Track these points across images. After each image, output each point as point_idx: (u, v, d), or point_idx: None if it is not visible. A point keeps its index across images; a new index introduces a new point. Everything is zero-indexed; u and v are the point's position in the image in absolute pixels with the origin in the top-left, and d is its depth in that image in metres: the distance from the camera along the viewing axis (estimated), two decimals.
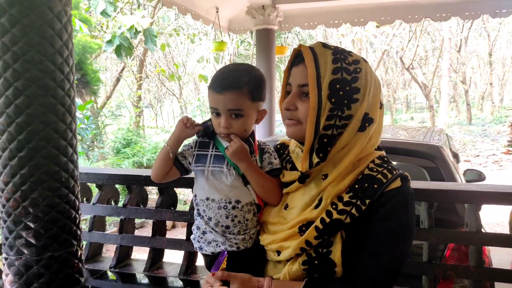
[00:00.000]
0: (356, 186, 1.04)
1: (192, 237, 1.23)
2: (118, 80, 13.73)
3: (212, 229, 1.17)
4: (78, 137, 6.73)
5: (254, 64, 5.48)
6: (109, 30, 8.95)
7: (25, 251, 1.61)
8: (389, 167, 1.06)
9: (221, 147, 1.18)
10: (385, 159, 1.10)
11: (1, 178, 1.60)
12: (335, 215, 1.03)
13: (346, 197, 1.04)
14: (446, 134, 3.32)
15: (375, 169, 1.06)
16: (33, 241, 1.61)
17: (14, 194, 1.59)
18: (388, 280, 1.03)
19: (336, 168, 1.06)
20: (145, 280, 1.90)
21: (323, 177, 1.08)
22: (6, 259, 1.64)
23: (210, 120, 1.22)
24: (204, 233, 1.18)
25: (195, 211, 1.21)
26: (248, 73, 1.16)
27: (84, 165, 5.54)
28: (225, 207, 1.16)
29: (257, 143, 1.24)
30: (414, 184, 1.60)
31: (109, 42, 7.79)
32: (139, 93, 12.47)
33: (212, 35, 9.62)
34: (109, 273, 1.96)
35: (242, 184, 1.17)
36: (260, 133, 4.62)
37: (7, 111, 1.55)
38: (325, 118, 1.02)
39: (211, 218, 1.17)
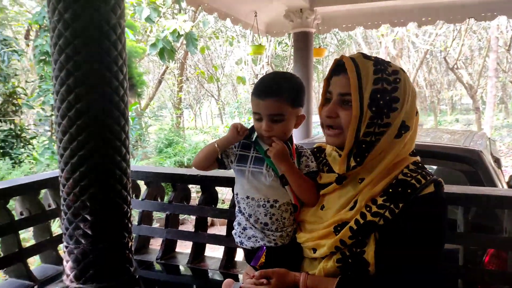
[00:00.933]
0: (390, 190, 1.10)
1: (233, 232, 1.33)
2: (160, 82, 14.25)
3: (252, 225, 1.26)
4: (129, 135, 7.09)
5: (292, 66, 5.54)
6: (152, 34, 9.33)
7: (83, 241, 1.79)
8: (423, 172, 1.11)
9: (260, 150, 1.28)
10: (420, 164, 1.15)
11: (63, 174, 1.78)
12: (369, 217, 1.09)
13: (380, 200, 1.09)
14: (489, 138, 3.23)
15: (409, 174, 1.11)
16: (89, 232, 1.78)
17: (74, 189, 1.76)
18: (419, 282, 1.07)
19: (372, 173, 1.12)
20: (188, 272, 2.03)
21: (359, 180, 1.15)
22: (66, 247, 1.82)
23: (253, 126, 1.32)
24: (244, 229, 1.28)
25: (236, 208, 1.31)
26: (288, 81, 1.26)
27: (133, 163, 5.86)
28: (264, 206, 1.25)
29: (295, 146, 1.32)
30: (451, 188, 1.62)
31: (153, 45, 8.14)
32: (180, 95, 12.86)
33: (250, 37, 9.77)
34: (156, 264, 2.11)
35: (280, 185, 1.25)
36: (298, 135, 4.68)
37: (69, 114, 1.73)
38: (365, 126, 1.09)
39: (251, 215, 1.26)
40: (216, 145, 1.31)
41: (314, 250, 1.18)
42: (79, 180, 1.75)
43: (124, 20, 1.90)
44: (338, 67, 1.15)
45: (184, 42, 8.78)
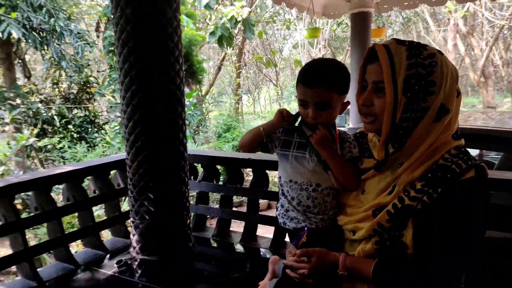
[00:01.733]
0: (429, 175, 1.09)
1: (277, 213, 1.40)
2: (219, 68, 14.59)
3: (294, 207, 1.31)
4: (186, 122, 7.44)
5: (349, 48, 5.40)
6: (211, 21, 9.55)
7: (147, 217, 1.98)
8: (465, 157, 1.09)
9: (304, 136, 1.32)
10: (462, 149, 1.13)
11: (129, 157, 1.97)
12: (407, 201, 1.10)
13: (418, 185, 1.10)
14: None
15: (449, 159, 1.09)
16: (152, 209, 1.97)
17: (138, 171, 1.95)
18: (457, 266, 1.08)
19: (411, 157, 1.12)
20: (241, 250, 2.16)
21: (398, 165, 1.15)
22: (133, 222, 2.03)
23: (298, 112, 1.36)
24: (287, 210, 1.34)
25: (280, 191, 1.38)
26: (335, 69, 1.28)
27: (190, 147, 6.16)
28: (307, 189, 1.30)
29: (338, 132, 1.35)
30: (501, 174, 1.55)
31: (212, 33, 8.35)
32: (238, 81, 13.09)
33: (308, 20, 9.62)
34: (212, 241, 2.26)
35: (323, 170, 1.30)
36: (354, 120, 4.62)
37: (133, 102, 1.90)
38: (400, 112, 1.09)
39: (293, 198, 1.31)
40: (261, 129, 1.37)
41: (354, 232, 1.22)
42: (142, 162, 1.93)
43: (180, 13, 2.02)
44: (372, 55, 1.16)
45: (242, 28, 8.89)
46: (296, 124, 1.36)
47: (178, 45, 1.98)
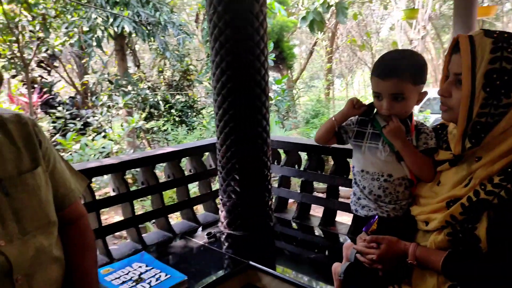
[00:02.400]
0: (509, 169, 1.06)
1: (350, 200, 1.47)
2: (311, 53, 14.50)
3: (366, 196, 1.36)
4: (275, 108, 7.63)
5: (452, 28, 5.00)
6: (303, 6, 9.52)
7: (233, 196, 2.18)
8: None
9: (378, 126, 1.35)
10: None
11: (218, 141, 2.19)
12: (482, 195, 1.08)
13: (496, 179, 1.07)
14: None
15: None
16: (238, 189, 2.16)
17: (226, 154, 2.15)
18: None
19: (491, 153, 1.10)
20: (319, 233, 2.25)
21: (476, 159, 1.13)
22: (221, 200, 2.26)
23: (372, 102, 1.40)
24: (359, 198, 1.40)
25: (353, 180, 1.44)
26: (408, 59, 1.28)
27: (279, 133, 6.33)
28: (378, 179, 1.33)
29: (414, 123, 1.35)
30: None
31: (304, 18, 8.34)
32: (328, 66, 12.87)
33: None
34: (292, 223, 2.39)
35: (396, 160, 1.31)
36: None
37: (222, 92, 2.09)
38: (478, 107, 1.07)
39: (365, 187, 1.36)
40: (333, 119, 1.44)
41: (426, 223, 1.23)
42: (230, 147, 2.13)
43: (266, 6, 2.14)
44: (457, 44, 1.14)
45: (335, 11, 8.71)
46: (373, 115, 1.40)
47: (264, 37, 2.11)
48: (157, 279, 1.66)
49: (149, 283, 1.64)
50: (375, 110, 1.40)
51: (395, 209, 1.33)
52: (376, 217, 1.32)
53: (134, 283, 1.64)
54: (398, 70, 1.26)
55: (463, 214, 1.12)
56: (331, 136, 1.47)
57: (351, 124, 1.44)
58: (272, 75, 8.71)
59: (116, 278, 1.69)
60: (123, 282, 1.65)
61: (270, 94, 7.23)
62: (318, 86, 14.26)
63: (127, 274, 1.72)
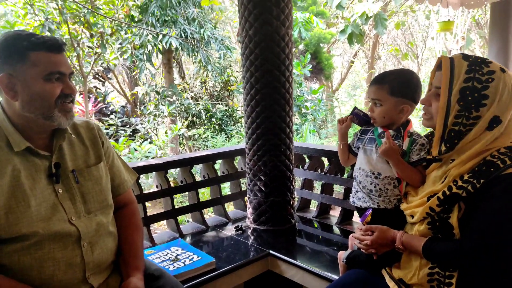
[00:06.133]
0: (476, 168, 1.27)
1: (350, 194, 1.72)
2: (352, 62, 14.56)
3: (361, 190, 1.61)
4: (311, 117, 7.85)
5: (487, 40, 5.00)
6: (343, 18, 9.70)
7: (259, 195, 2.47)
8: None
9: (375, 132, 1.60)
10: None
11: (247, 146, 2.49)
12: (454, 190, 1.30)
13: (466, 176, 1.28)
14: None
15: (497, 156, 1.25)
16: (263, 188, 2.45)
17: (253, 157, 2.45)
18: (488, 249, 1.22)
19: (462, 156, 1.31)
20: (337, 231, 2.48)
21: (451, 161, 1.36)
22: (248, 198, 2.56)
23: (355, 108, 1.68)
24: (357, 191, 1.64)
25: (353, 176, 1.70)
26: (396, 75, 1.53)
27: (313, 141, 6.54)
28: (370, 176, 1.57)
29: (409, 133, 1.56)
30: None
31: (342, 31, 8.53)
32: (365, 77, 12.88)
33: (449, 9, 8.92)
34: (313, 221, 2.64)
35: (385, 161, 1.55)
36: None
37: (251, 103, 2.40)
38: (453, 117, 1.29)
39: (361, 182, 1.61)
40: (338, 142, 1.73)
41: (412, 216, 1.45)
42: (256, 151, 2.43)
43: (292, 28, 2.44)
44: (441, 64, 1.37)
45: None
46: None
47: (289, 55, 2.40)
48: (190, 260, 1.98)
49: (183, 262, 1.96)
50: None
51: (384, 201, 1.56)
52: (370, 210, 1.56)
53: (171, 262, 1.97)
54: (380, 80, 1.54)
55: (439, 206, 1.33)
56: (347, 155, 1.75)
57: (356, 136, 1.70)
58: (310, 86, 8.96)
59: (157, 258, 2.03)
60: (163, 261, 1.99)
61: (307, 104, 7.47)
62: (361, 95, 14.25)
63: (166, 255, 2.06)
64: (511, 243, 1.23)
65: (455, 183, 1.31)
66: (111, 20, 6.11)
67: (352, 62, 14.56)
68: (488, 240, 1.23)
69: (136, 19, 6.56)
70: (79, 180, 1.39)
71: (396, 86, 1.51)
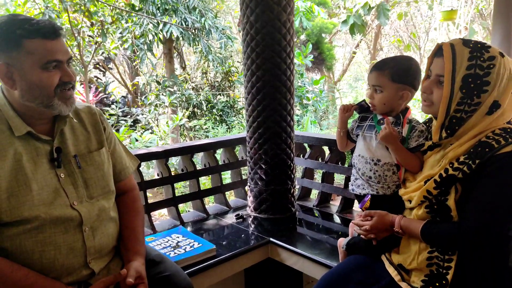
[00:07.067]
0: (472, 150, 1.28)
1: (350, 182, 1.72)
2: (354, 53, 14.47)
3: (360, 176, 1.61)
4: (312, 108, 7.83)
5: (490, 31, 4.98)
6: (344, 8, 9.62)
7: (259, 183, 2.47)
8: (507, 136, 1.24)
9: (375, 119, 1.60)
10: (508, 129, 1.27)
11: (248, 134, 2.48)
12: (450, 171, 1.30)
13: (461, 158, 1.29)
14: None
15: (491, 137, 1.26)
16: (264, 177, 2.45)
17: (254, 146, 2.45)
18: (485, 229, 1.23)
19: (460, 139, 1.32)
20: (338, 220, 2.49)
21: (450, 145, 1.36)
22: (249, 186, 2.56)
23: (363, 100, 1.65)
24: (356, 179, 1.64)
25: (352, 163, 1.69)
26: (397, 62, 1.52)
27: (313, 131, 6.53)
28: (369, 163, 1.57)
29: (408, 119, 1.55)
30: None
31: (344, 22, 8.46)
32: (366, 68, 12.81)
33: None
34: (314, 210, 2.64)
35: (384, 148, 1.54)
36: None
37: (252, 91, 2.39)
38: (455, 104, 1.29)
39: (360, 169, 1.61)
40: (338, 129, 1.72)
41: (410, 201, 1.45)
42: (257, 139, 2.42)
43: (293, 15, 2.42)
44: (440, 50, 1.36)
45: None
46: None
47: (290, 42, 2.38)
48: (191, 246, 1.99)
49: (184, 249, 1.97)
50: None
51: (383, 188, 1.56)
52: (369, 195, 1.57)
53: (172, 249, 1.98)
54: (381, 67, 1.53)
55: (436, 189, 1.33)
56: (345, 141, 1.75)
57: (355, 122, 1.70)
58: (311, 76, 8.93)
59: (158, 244, 2.04)
60: (164, 247, 2.00)
61: (309, 95, 7.44)
62: (363, 87, 14.21)
63: (167, 242, 2.07)
64: (508, 221, 1.24)
65: (451, 165, 1.31)
66: (111, 8, 6.07)
67: (354, 53, 14.48)
68: (486, 219, 1.24)
69: (136, 8, 6.52)
70: (81, 165, 1.39)
71: (397, 72, 1.51)
